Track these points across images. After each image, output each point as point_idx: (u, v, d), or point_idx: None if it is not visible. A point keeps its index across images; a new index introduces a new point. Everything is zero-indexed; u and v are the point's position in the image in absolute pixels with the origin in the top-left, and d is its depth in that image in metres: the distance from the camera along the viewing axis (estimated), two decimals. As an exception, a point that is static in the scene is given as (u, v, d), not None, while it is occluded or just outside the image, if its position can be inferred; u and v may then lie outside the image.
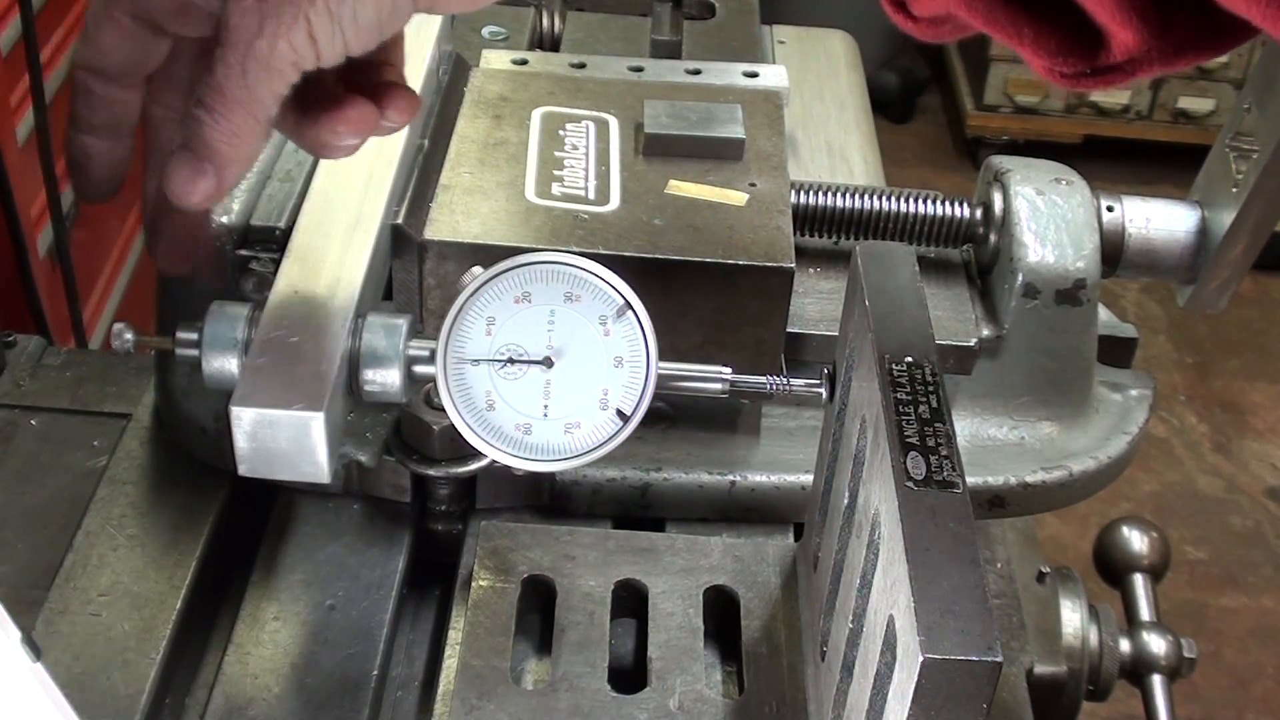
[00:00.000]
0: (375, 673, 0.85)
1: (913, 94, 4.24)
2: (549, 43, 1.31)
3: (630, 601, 0.87)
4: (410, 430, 0.91)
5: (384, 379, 0.75)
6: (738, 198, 0.95)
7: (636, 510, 0.96)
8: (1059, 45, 0.63)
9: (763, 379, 0.77)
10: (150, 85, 0.76)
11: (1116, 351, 1.08)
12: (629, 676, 0.84)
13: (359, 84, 0.73)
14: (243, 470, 0.72)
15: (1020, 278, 0.98)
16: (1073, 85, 0.65)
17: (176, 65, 0.75)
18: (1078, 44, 0.62)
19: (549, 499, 0.95)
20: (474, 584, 0.86)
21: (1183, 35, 0.60)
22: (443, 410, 0.73)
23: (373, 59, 0.74)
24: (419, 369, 0.75)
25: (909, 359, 0.72)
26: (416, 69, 0.96)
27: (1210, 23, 0.60)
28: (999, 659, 0.57)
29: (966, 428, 1.00)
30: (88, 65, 0.75)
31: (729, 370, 0.77)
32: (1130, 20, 0.59)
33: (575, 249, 0.84)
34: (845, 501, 0.76)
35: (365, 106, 0.73)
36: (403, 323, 0.75)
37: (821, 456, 0.86)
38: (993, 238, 1.01)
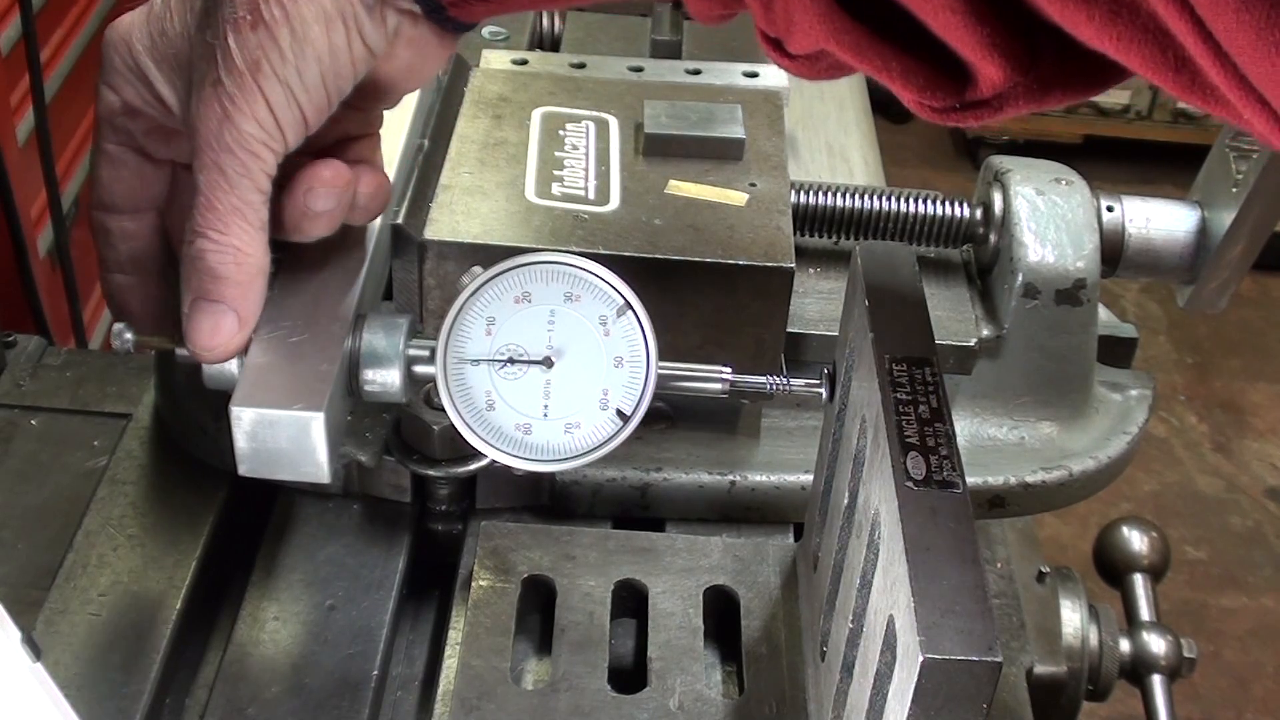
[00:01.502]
0: (375, 673, 0.84)
1: (913, 94, 4.23)
2: (549, 43, 1.31)
3: (630, 601, 0.87)
4: (410, 430, 0.91)
5: (384, 379, 0.75)
6: (738, 198, 0.95)
7: (636, 510, 0.96)
8: (927, 80, 0.63)
9: (763, 379, 0.77)
10: (167, 218, 0.80)
11: (1116, 351, 1.08)
12: (629, 676, 0.84)
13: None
14: (243, 470, 0.72)
15: (1020, 278, 0.98)
16: (941, 119, 0.65)
17: (185, 194, 0.76)
18: (946, 79, 0.63)
19: (549, 499, 0.95)
20: (474, 584, 0.86)
21: (1049, 72, 0.60)
22: (443, 410, 0.73)
23: (342, 141, 0.77)
24: (419, 369, 0.75)
25: (909, 359, 0.72)
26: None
27: (1077, 61, 0.60)
28: (999, 659, 0.57)
29: (966, 428, 1.00)
30: (96, 202, 0.78)
31: (729, 370, 0.77)
32: (994, 56, 0.59)
33: (575, 249, 0.84)
34: (845, 501, 0.76)
35: (337, 164, 0.74)
36: (403, 323, 0.75)
37: (821, 456, 0.86)
38: (993, 238, 1.01)
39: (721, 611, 0.88)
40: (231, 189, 0.70)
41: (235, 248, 0.70)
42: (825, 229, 1.02)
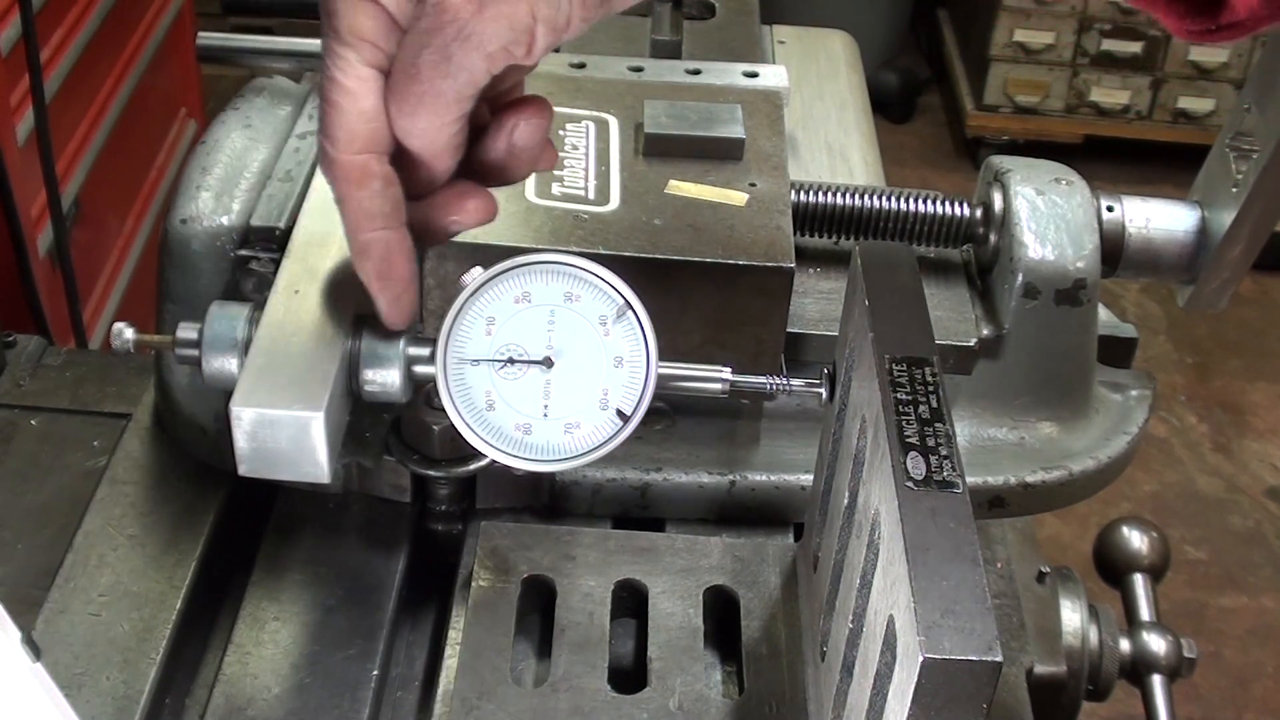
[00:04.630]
0: (375, 673, 0.85)
1: (913, 94, 4.24)
2: (549, 43, 1.31)
3: (630, 601, 0.87)
4: (410, 430, 0.91)
5: (384, 379, 0.75)
6: (738, 198, 0.95)
7: (636, 510, 0.96)
8: (1188, 7, 0.73)
9: (763, 379, 0.77)
10: None
11: (1116, 351, 1.08)
12: (629, 676, 0.84)
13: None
14: (243, 470, 0.72)
15: (1020, 278, 0.98)
16: (1200, 40, 0.74)
17: None
18: (1204, 4, 0.72)
19: (549, 499, 0.95)
20: (474, 584, 0.86)
21: None
22: (443, 410, 0.73)
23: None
24: (419, 369, 0.75)
25: (909, 359, 0.72)
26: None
27: None
28: (999, 659, 0.57)
29: (966, 428, 1.00)
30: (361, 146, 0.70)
31: (729, 370, 0.77)
32: None
33: (575, 249, 0.84)
34: (845, 501, 0.76)
35: (538, 100, 0.73)
36: (403, 323, 0.75)
37: (821, 456, 0.86)
38: (993, 238, 1.01)
39: (721, 611, 0.88)
40: (447, 81, 0.66)
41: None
42: (825, 229, 1.02)
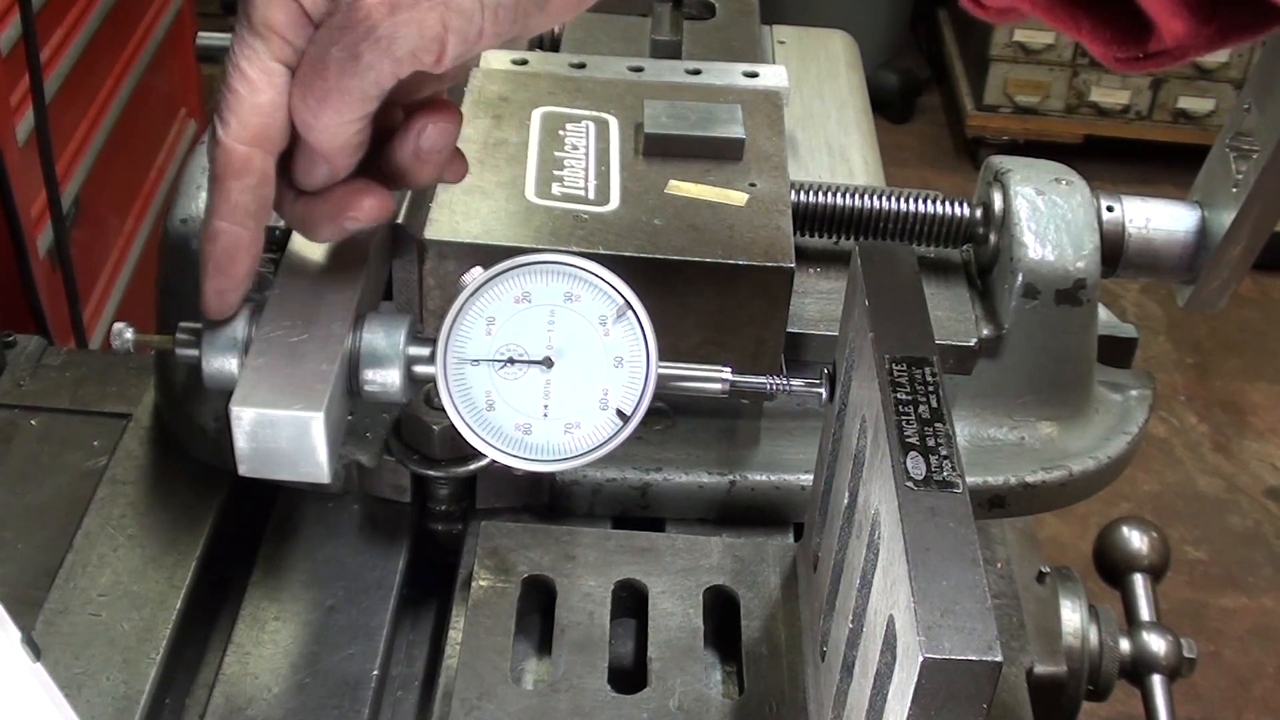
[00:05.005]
0: (375, 673, 0.85)
1: (913, 94, 4.24)
2: (549, 43, 1.31)
3: (630, 601, 0.87)
4: (410, 430, 0.91)
5: (384, 379, 0.75)
6: (738, 198, 0.95)
7: (636, 510, 0.96)
8: (1113, 35, 0.70)
9: (763, 379, 0.77)
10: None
11: (1116, 351, 1.08)
12: (629, 676, 0.84)
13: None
14: (243, 470, 0.72)
15: (1020, 278, 0.98)
16: (1127, 69, 0.72)
17: None
18: (1131, 32, 0.70)
19: (549, 499, 0.95)
20: (474, 584, 0.86)
21: (1226, 20, 0.66)
22: (443, 410, 0.73)
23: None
24: (419, 369, 0.75)
25: (909, 359, 0.72)
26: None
27: (1250, 6, 0.65)
28: (999, 659, 0.57)
29: (966, 428, 1.00)
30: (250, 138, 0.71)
31: (729, 370, 0.77)
32: (1180, 12, 0.65)
33: (575, 249, 0.84)
34: (845, 501, 0.76)
35: (447, 105, 0.73)
36: (403, 323, 0.75)
37: (821, 456, 0.86)
38: (993, 238, 1.01)
39: (721, 611, 0.88)
40: (353, 80, 0.66)
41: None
42: (825, 229, 1.02)
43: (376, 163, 0.74)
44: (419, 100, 0.74)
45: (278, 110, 0.69)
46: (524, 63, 1.15)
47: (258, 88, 0.68)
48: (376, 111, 0.69)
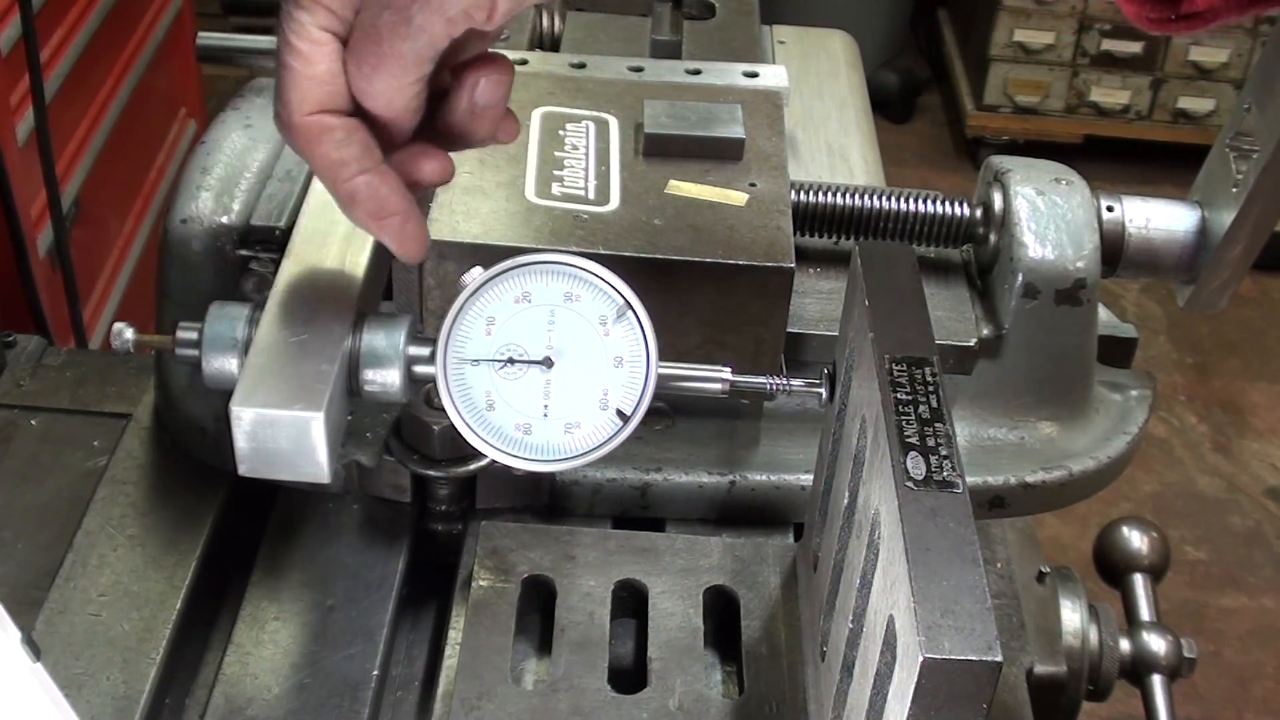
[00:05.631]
0: (375, 673, 0.85)
1: (913, 94, 4.24)
2: (549, 43, 1.31)
3: (630, 601, 0.87)
4: (410, 430, 0.91)
5: (384, 379, 0.75)
6: (738, 198, 0.95)
7: (636, 510, 0.96)
8: None
9: (763, 379, 0.77)
10: None
11: (1116, 351, 1.08)
12: (629, 676, 0.84)
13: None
14: (243, 470, 0.72)
15: (1020, 278, 0.98)
16: (1159, 29, 0.72)
17: None
18: None
19: (549, 499, 0.95)
20: (474, 584, 0.86)
21: None
22: (443, 410, 0.73)
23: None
24: (419, 369, 0.75)
25: (909, 359, 0.72)
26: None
27: None
28: (999, 659, 0.57)
29: (966, 428, 1.00)
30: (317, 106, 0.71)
31: (729, 370, 0.77)
32: None
33: (575, 249, 0.84)
34: (845, 501, 0.76)
35: (499, 59, 0.72)
36: (403, 323, 0.75)
37: (821, 456, 0.86)
38: (993, 238, 1.01)
39: (721, 611, 0.88)
40: (407, 43, 0.66)
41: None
42: (825, 229, 1.02)
43: (433, 126, 0.73)
44: (465, 60, 0.73)
45: (336, 78, 0.68)
46: (524, 63, 1.15)
47: (311, 59, 0.68)
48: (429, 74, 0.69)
